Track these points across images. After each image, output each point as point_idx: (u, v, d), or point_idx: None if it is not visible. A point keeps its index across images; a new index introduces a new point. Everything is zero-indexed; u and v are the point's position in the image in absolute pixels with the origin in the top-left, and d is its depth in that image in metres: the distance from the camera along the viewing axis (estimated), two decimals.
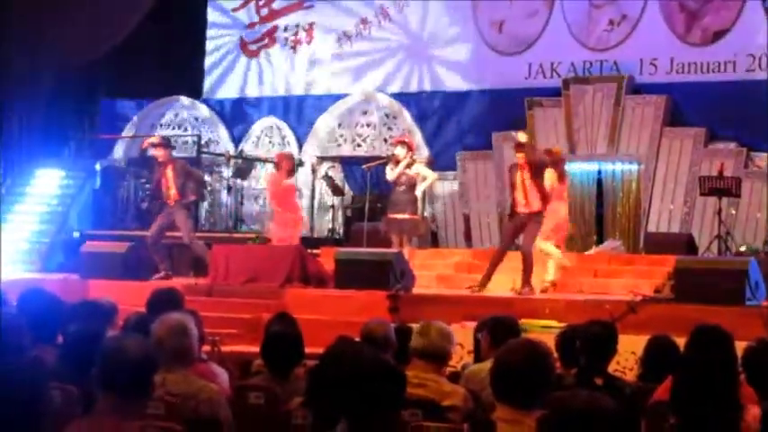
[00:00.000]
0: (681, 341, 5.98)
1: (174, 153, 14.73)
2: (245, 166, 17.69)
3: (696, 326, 5.80)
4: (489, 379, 4.32)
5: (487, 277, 12.26)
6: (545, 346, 4.49)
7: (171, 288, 7.70)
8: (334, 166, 17.34)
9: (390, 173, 13.25)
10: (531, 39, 16.96)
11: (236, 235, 16.29)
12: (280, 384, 5.67)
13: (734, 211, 14.57)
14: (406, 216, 13.19)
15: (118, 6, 18.24)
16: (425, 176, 13.62)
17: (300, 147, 18.44)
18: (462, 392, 5.33)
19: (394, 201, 13.31)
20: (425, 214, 16.50)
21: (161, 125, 19.78)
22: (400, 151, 13.28)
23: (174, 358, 5.06)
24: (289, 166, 13.93)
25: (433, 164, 16.70)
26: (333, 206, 17.36)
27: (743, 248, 13.48)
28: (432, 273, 14.04)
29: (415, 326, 5.95)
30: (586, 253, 14.93)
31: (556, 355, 5.91)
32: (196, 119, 19.60)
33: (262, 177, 18.03)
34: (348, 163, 18.01)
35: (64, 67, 18.25)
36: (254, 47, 19.51)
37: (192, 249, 13.97)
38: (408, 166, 13.24)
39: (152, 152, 14.19)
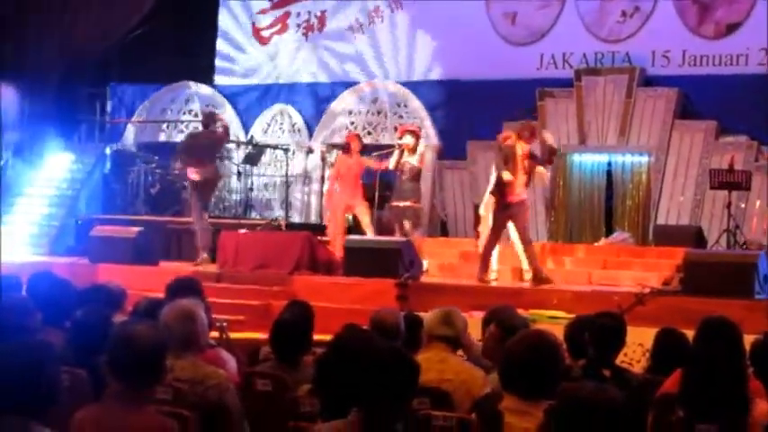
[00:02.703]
0: (689, 334, 5.98)
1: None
2: (255, 153, 17.67)
3: (704, 318, 5.80)
4: (499, 369, 4.33)
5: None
6: (553, 337, 4.50)
7: (191, 276, 7.78)
8: None
9: (393, 162, 13.30)
10: (543, 30, 16.92)
11: (244, 221, 16.27)
12: (288, 372, 5.68)
13: (743, 205, 14.52)
14: (407, 203, 13.20)
15: None
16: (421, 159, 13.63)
17: (310, 134, 18.43)
18: (480, 375, 5.37)
19: (398, 188, 13.34)
20: (435, 202, 16.52)
21: (171, 110, 19.80)
22: (409, 140, 13.28)
23: (181, 344, 5.07)
24: (359, 146, 14.03)
25: (441, 152, 16.77)
26: None
27: None
28: (438, 261, 14.03)
29: (426, 314, 5.95)
30: (595, 244, 14.92)
31: (564, 346, 5.92)
32: (207, 104, 19.59)
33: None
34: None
35: (76, 54, 18.26)
36: (265, 33, 19.49)
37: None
38: (413, 153, 13.28)
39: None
